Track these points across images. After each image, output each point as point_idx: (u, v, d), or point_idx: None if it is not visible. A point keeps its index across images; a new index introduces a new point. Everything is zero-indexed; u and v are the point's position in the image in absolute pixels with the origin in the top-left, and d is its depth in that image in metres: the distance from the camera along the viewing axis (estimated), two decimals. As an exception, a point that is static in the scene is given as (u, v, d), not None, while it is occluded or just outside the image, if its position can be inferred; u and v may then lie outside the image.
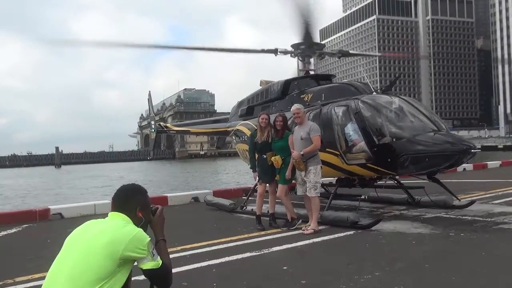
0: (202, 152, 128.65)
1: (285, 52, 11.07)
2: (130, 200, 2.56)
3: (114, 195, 2.60)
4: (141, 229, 2.46)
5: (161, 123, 16.28)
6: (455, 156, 7.24)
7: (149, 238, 2.43)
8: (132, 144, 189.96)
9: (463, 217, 7.94)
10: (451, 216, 8.18)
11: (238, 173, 43.71)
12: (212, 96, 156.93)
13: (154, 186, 32.85)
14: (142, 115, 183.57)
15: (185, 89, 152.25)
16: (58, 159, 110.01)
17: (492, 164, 20.20)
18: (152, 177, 47.73)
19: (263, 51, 11.09)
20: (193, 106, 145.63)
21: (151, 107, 17.66)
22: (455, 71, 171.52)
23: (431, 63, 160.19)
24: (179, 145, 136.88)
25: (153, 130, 15.72)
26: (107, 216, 2.55)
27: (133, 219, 2.52)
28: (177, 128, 16.01)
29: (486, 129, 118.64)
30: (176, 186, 33.97)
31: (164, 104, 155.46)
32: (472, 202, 8.98)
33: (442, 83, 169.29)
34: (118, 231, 2.37)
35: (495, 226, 7.10)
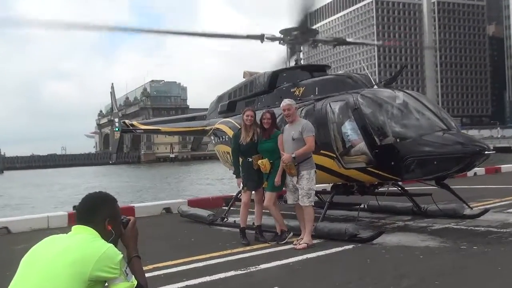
0: (172, 155, 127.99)
1: (272, 39, 11.18)
2: (97, 211, 2.56)
3: (79, 205, 2.61)
4: (112, 244, 2.47)
5: (126, 121, 16.16)
6: (467, 158, 7.44)
7: (122, 255, 2.44)
8: (90, 146, 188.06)
9: (476, 228, 8.16)
10: (462, 227, 8.40)
11: (216, 180, 43.65)
12: (184, 89, 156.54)
13: (118, 195, 32.49)
14: (101, 111, 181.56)
15: (152, 81, 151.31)
16: (0, 164, 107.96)
17: (506, 167, 20.74)
18: (115, 184, 47.22)
19: (248, 37, 11.18)
20: (161, 100, 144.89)
21: (114, 102, 17.56)
22: (463, 61, 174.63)
23: (436, 52, 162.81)
24: (145, 147, 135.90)
25: (117, 129, 15.64)
26: (70, 230, 2.54)
27: (102, 233, 2.53)
28: (145, 127, 15.97)
29: (498, 128, 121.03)
30: (143, 194, 33.74)
31: (127, 98, 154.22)
32: (485, 211, 9.22)
33: (449, 75, 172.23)
34: (86, 247, 2.36)
35: (511, 238, 7.31)
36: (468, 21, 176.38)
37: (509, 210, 9.90)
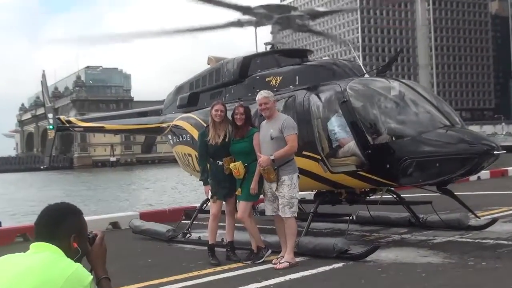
0: (113, 158, 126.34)
1: (251, 14, 11.19)
2: (61, 225, 2.62)
3: (38, 219, 2.65)
4: (80, 264, 2.54)
5: (61, 117, 15.92)
6: (474, 159, 7.73)
7: (92, 277, 2.52)
8: (9, 147, 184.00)
9: (484, 241, 8.49)
10: (468, 239, 8.73)
11: (171, 189, 43.40)
12: (128, 77, 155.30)
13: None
14: (23, 105, 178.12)
15: (87, 67, 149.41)
16: None
17: (514, 170, 21.41)
18: (46, 194, 46.31)
19: (235, 7, 11.06)
20: (99, 91, 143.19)
21: (46, 93, 17.25)
22: (462, 44, 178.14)
23: (431, 33, 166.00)
24: (79, 149, 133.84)
25: (51, 127, 15.39)
26: (29, 248, 2.58)
27: (67, 251, 2.59)
28: (85, 124, 15.75)
29: (503, 124, 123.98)
30: (82, 206, 33.24)
31: (56, 88, 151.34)
32: (493, 221, 9.58)
33: (446, 61, 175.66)
34: (50, 268, 2.42)
35: (524, 251, 7.67)
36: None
37: (519, 220, 10.32)
